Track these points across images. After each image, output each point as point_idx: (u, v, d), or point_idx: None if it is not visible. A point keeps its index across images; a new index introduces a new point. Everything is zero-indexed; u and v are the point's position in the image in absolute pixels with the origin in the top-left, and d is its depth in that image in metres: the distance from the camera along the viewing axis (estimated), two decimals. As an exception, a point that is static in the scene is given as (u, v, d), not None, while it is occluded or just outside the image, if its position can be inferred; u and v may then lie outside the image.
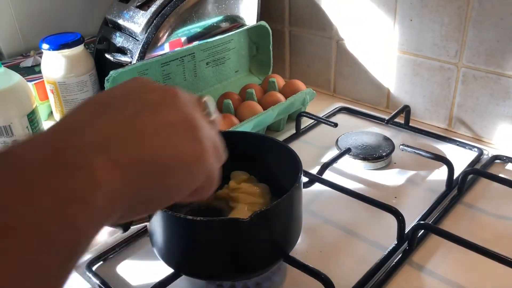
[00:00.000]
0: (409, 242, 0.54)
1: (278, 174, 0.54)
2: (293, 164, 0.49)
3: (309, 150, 0.75)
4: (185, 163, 0.29)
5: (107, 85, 0.69)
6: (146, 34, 0.78)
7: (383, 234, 0.57)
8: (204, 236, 0.43)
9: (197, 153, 0.30)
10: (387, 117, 0.81)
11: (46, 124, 0.85)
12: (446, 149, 0.74)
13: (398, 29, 0.80)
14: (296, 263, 0.47)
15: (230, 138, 0.56)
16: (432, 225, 0.54)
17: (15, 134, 0.75)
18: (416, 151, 0.66)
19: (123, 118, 0.27)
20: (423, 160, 0.68)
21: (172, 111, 0.30)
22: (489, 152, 0.72)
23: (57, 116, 0.84)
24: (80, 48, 0.81)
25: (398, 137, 0.77)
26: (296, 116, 0.78)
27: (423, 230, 0.55)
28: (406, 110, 0.77)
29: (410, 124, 0.79)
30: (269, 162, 0.55)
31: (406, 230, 0.55)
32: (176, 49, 0.79)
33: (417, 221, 0.58)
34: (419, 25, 0.77)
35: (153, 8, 0.79)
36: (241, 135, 0.57)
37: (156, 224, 0.45)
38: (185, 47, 0.80)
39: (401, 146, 0.67)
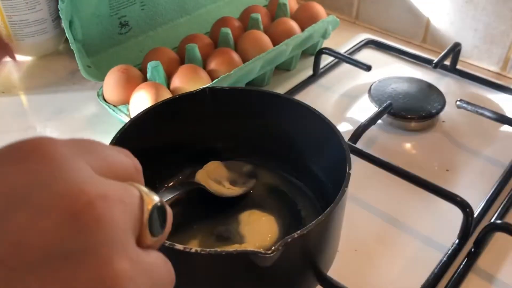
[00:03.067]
0: (476, 242, 0.40)
1: (305, 151, 0.38)
2: (334, 149, 0.33)
3: (331, 99, 0.58)
4: None
5: (61, 7, 0.50)
6: None
7: (439, 226, 0.43)
8: (208, 272, 0.28)
9: None
10: (425, 55, 0.64)
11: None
12: (503, 101, 0.58)
13: None
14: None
15: (248, 97, 0.41)
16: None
17: None
18: (478, 110, 0.50)
19: None
20: (480, 119, 0.52)
21: (78, 276, 0.14)
22: (560, 108, 0.56)
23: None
24: (27, -50, 0.60)
25: (442, 84, 0.61)
26: (316, 53, 0.60)
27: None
28: (456, 50, 0.60)
29: (457, 67, 0.62)
30: (295, 133, 0.39)
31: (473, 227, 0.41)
32: (157, -44, 0.59)
33: (482, 210, 0.44)
34: None
35: None
36: (267, 96, 0.40)
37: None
38: (169, -47, 0.59)
39: (458, 103, 0.51)
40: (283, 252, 0.27)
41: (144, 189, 0.18)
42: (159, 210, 0.18)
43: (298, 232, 0.27)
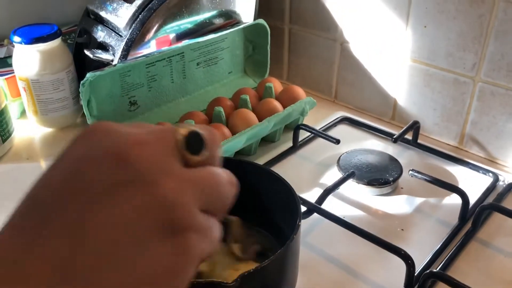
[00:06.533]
0: (418, 289, 0.48)
1: (271, 207, 0.47)
2: (291, 205, 0.42)
3: (307, 168, 0.68)
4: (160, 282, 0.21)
5: (82, 90, 0.61)
6: (130, 30, 0.70)
7: (389, 276, 0.51)
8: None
9: (178, 263, 0.22)
10: (392, 131, 0.74)
11: (19, 124, 0.77)
12: (457, 172, 0.67)
13: (410, 35, 0.72)
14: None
15: (229, 164, 0.49)
16: (446, 276, 0.47)
17: (-20, 137, 0.67)
18: (426, 178, 0.59)
19: (57, 244, 0.20)
20: (433, 187, 0.61)
21: (134, 197, 0.21)
22: (505, 178, 0.65)
23: (30, 116, 0.76)
24: (56, 42, 0.72)
25: (404, 155, 0.70)
26: (294, 128, 0.71)
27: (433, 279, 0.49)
28: (415, 127, 0.70)
29: (418, 141, 0.72)
30: (262, 193, 0.48)
31: (416, 273, 0.49)
32: (163, 48, 0.71)
33: (428, 262, 0.52)
34: (434, 33, 0.69)
35: (139, 0, 0.70)
36: (230, 162, 0.50)
37: None
38: (173, 46, 0.72)
39: (410, 172, 0.60)
40: (242, 283, 0.35)
41: (179, 125, 0.25)
42: (193, 134, 0.24)
43: (254, 267, 0.35)
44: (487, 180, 0.65)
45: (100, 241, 0.20)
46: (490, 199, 0.61)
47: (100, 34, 0.74)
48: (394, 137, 0.67)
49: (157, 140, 0.23)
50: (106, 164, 0.21)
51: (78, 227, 0.20)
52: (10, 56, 0.79)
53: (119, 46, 0.71)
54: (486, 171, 0.66)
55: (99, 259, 0.19)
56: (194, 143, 0.24)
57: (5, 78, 0.76)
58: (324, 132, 0.69)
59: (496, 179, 0.64)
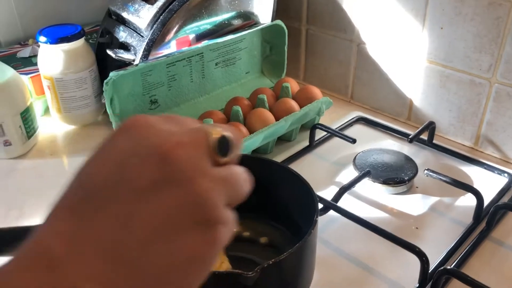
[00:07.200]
0: (432, 286, 0.49)
1: (289, 204, 0.49)
2: (309, 201, 0.43)
3: (323, 166, 0.69)
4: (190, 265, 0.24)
5: (105, 88, 0.63)
6: (152, 31, 0.72)
7: (404, 273, 0.52)
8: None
9: (208, 251, 0.25)
10: (408, 131, 0.75)
11: (43, 121, 0.79)
12: (472, 172, 0.68)
13: (427, 36, 0.73)
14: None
15: (246, 161, 0.51)
16: (460, 273, 0.47)
17: (6, 134, 0.69)
18: (442, 177, 0.60)
19: (107, 235, 0.23)
20: (448, 186, 0.62)
21: (175, 193, 0.24)
22: (520, 179, 0.65)
23: (54, 113, 0.78)
24: (80, 42, 0.75)
25: (420, 155, 0.71)
26: (311, 128, 0.72)
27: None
28: (431, 127, 0.71)
29: (434, 141, 0.72)
30: (279, 190, 0.49)
31: (430, 270, 0.49)
32: (183, 49, 0.73)
33: (442, 259, 0.53)
34: (451, 34, 0.70)
35: (160, 2, 0.72)
36: (250, 160, 0.51)
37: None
38: (193, 47, 0.73)
39: (425, 171, 0.61)
40: (261, 274, 0.36)
41: (210, 127, 0.27)
42: (224, 138, 0.26)
43: (273, 259, 0.37)
44: (502, 181, 0.65)
45: (145, 230, 0.23)
46: (504, 199, 0.62)
47: (122, 35, 0.76)
48: (410, 137, 0.68)
49: (193, 142, 0.25)
50: (151, 161, 0.24)
51: (127, 216, 0.23)
52: (35, 56, 0.81)
53: (140, 46, 0.73)
54: (501, 172, 0.67)
55: (142, 245, 0.23)
56: (224, 146, 0.27)
57: (30, 77, 0.78)
58: (340, 132, 0.70)
59: (511, 179, 0.65)
